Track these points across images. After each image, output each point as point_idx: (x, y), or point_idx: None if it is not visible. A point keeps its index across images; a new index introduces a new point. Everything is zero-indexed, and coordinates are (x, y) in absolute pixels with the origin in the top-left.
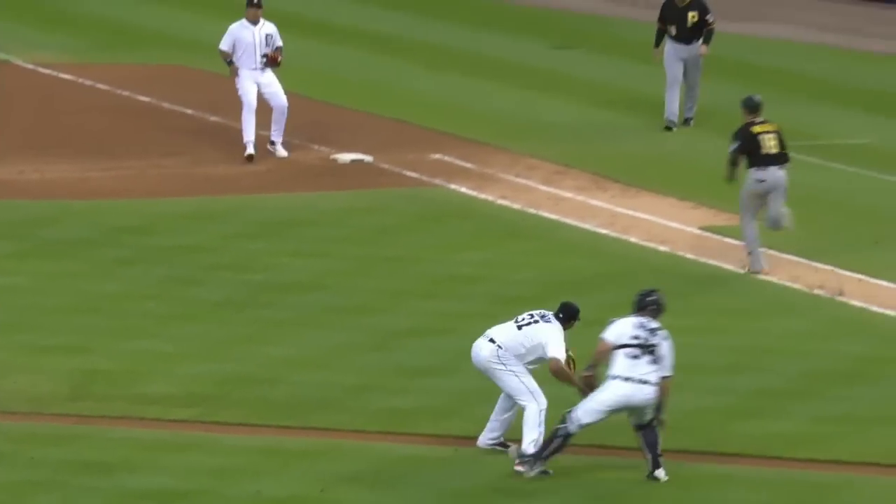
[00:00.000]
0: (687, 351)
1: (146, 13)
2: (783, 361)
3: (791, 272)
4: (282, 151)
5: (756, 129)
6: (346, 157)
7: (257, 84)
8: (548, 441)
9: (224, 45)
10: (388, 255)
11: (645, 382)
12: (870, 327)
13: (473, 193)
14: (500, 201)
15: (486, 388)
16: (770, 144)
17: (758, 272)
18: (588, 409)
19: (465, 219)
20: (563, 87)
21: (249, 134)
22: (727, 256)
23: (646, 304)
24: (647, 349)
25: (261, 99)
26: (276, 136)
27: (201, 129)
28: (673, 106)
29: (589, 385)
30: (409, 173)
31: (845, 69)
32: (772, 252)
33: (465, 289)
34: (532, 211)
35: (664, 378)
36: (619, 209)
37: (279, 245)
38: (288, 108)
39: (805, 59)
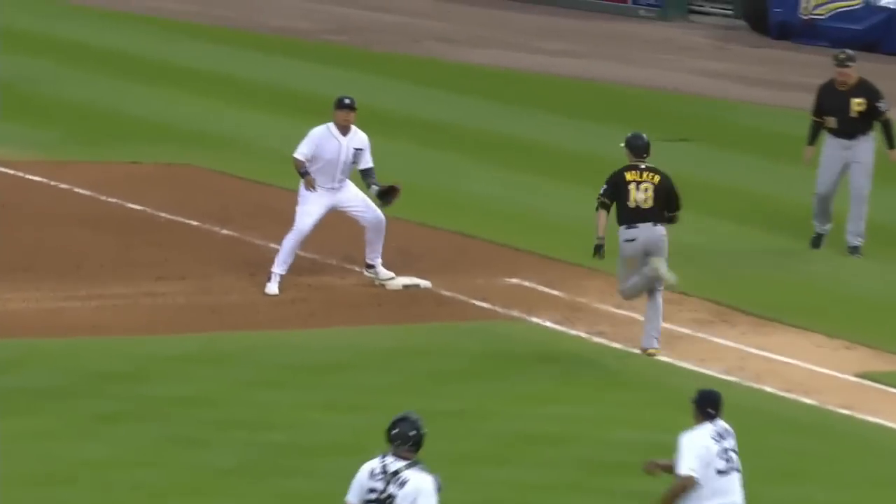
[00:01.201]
0: None
1: (138, 97)
2: None
3: None
4: (385, 273)
5: (630, 175)
6: (396, 281)
7: (332, 205)
8: None
9: (301, 154)
10: (448, 410)
11: None
12: None
13: (561, 329)
14: (596, 339)
15: None
16: (641, 197)
17: (647, 350)
18: None
19: (550, 361)
20: None
21: (282, 265)
22: (893, 411)
23: (390, 439)
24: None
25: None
26: (374, 257)
27: (209, 245)
28: (824, 217)
29: None
30: (476, 302)
31: None
32: None
33: (548, 453)
34: (637, 352)
35: None
36: (750, 349)
37: (308, 396)
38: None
39: None
